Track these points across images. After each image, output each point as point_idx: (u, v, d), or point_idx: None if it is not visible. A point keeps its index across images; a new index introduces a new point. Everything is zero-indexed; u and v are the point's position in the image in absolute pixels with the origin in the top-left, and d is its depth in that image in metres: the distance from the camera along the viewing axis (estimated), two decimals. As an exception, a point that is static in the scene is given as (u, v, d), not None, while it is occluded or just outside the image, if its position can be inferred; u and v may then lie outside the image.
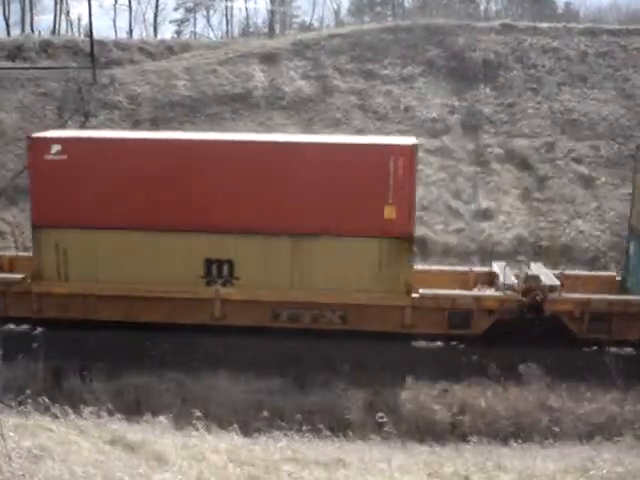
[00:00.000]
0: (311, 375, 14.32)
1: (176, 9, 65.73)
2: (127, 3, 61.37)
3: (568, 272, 17.74)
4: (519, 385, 13.99)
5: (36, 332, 14.67)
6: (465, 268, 18.08)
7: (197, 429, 10.25)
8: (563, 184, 23.97)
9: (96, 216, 15.48)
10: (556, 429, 12.60)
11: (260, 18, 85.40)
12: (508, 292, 15.51)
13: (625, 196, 21.72)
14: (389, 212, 15.13)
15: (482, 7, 61.44)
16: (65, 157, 15.44)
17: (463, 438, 12.28)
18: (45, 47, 35.84)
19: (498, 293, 15.82)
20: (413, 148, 15.30)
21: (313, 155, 15.43)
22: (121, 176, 15.40)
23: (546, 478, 8.74)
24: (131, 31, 59.81)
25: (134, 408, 12.36)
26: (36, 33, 47.67)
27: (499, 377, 14.09)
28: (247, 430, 11.32)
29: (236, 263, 15.46)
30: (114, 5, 61.55)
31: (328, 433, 11.44)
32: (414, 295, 15.39)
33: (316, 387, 14.02)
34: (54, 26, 56.01)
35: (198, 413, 10.60)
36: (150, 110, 28.05)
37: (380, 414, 12.55)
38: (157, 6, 61.49)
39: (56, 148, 15.47)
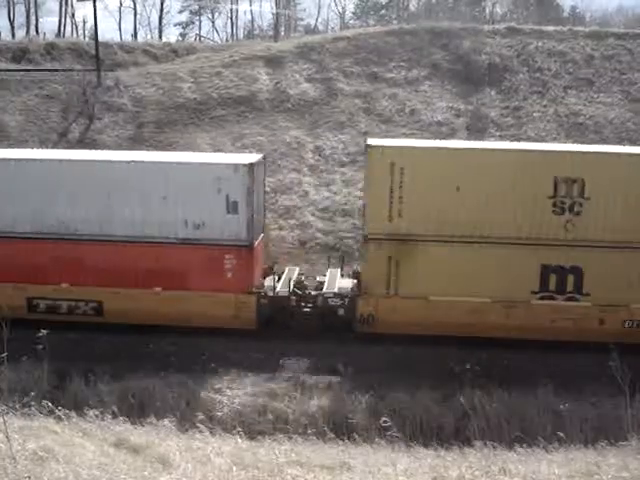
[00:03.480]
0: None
1: (181, 12, 66.14)
2: (132, 6, 61.82)
3: None
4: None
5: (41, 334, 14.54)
6: None
7: (201, 431, 10.24)
8: (568, 187, 23.84)
9: None
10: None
11: (265, 21, 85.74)
12: None
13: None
14: None
15: (487, 10, 61.45)
16: None
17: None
18: (50, 49, 35.94)
19: None
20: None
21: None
22: None
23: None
24: (136, 34, 60.23)
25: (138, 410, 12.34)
26: (41, 35, 47.89)
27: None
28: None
29: None
30: (119, 8, 61.98)
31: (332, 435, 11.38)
32: None
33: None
34: (59, 28, 56.41)
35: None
36: (155, 113, 28.06)
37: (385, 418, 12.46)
38: (162, 9, 61.86)
39: None
